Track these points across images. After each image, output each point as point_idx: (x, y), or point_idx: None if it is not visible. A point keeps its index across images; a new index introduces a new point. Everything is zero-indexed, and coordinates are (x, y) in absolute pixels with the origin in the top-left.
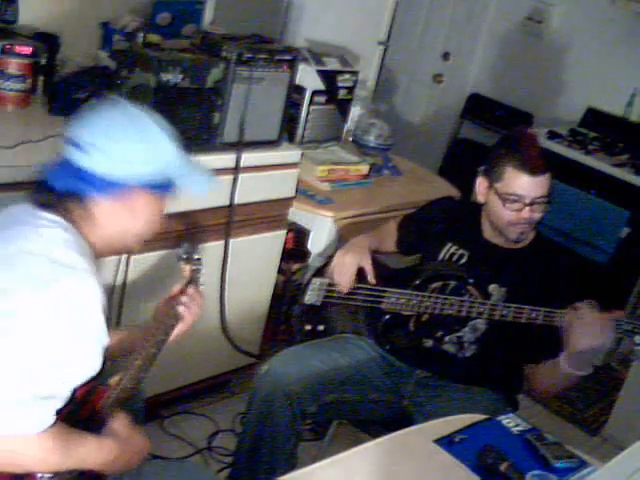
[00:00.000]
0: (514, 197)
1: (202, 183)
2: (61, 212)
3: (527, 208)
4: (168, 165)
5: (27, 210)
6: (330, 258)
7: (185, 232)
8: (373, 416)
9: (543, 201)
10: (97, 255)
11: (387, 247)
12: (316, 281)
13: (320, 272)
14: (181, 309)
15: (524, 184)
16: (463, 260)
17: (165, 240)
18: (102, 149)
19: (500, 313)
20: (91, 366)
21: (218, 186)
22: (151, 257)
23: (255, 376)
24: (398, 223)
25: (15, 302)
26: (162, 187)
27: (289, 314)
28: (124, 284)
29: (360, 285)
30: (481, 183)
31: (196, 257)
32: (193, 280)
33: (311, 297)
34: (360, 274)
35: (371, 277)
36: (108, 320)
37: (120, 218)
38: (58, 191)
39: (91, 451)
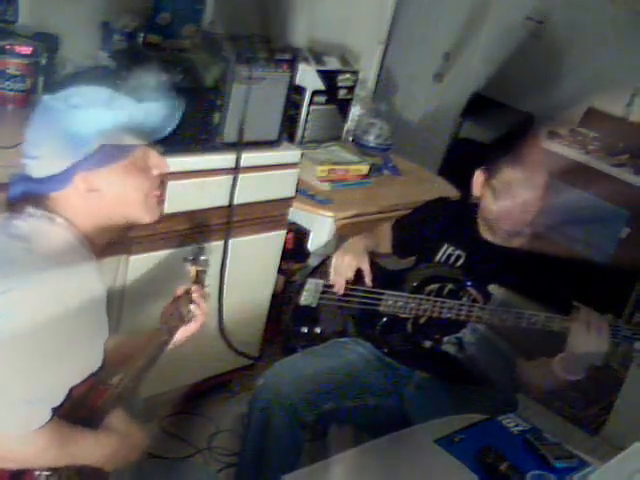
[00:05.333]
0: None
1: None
2: (45, 207)
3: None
4: (94, 135)
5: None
6: (326, 258)
7: (192, 233)
8: (373, 421)
9: None
10: (103, 241)
11: (383, 249)
12: (312, 282)
13: (315, 272)
14: (193, 308)
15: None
16: (461, 261)
17: (164, 240)
18: (26, 154)
19: (500, 318)
20: (91, 363)
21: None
22: (151, 258)
23: (252, 388)
24: (392, 225)
25: (13, 301)
26: (110, 156)
27: (284, 315)
28: (124, 285)
29: (357, 287)
30: (478, 177)
31: (203, 258)
32: (199, 281)
33: (307, 298)
34: (357, 276)
35: (368, 279)
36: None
37: (97, 202)
38: (21, 198)
39: (87, 447)
